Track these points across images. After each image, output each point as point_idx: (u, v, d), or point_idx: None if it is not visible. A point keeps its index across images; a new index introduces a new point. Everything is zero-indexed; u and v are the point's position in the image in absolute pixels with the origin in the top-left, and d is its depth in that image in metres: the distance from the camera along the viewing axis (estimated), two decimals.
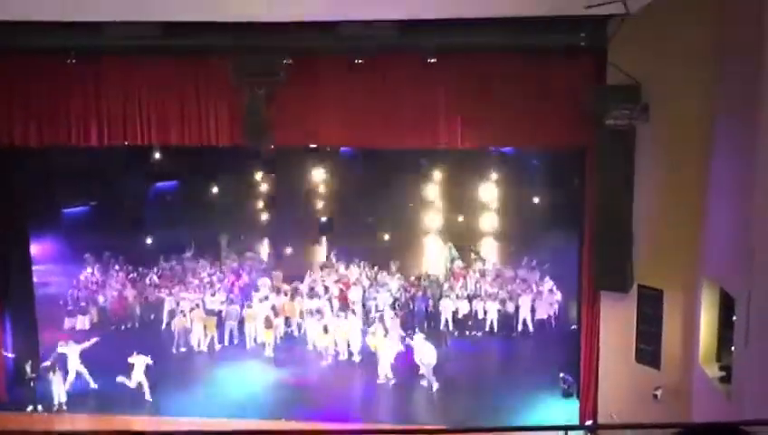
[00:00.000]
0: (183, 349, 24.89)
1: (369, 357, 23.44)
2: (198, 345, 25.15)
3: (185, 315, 25.48)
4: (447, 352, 24.18)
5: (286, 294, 26.56)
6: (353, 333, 24.32)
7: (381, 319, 24.74)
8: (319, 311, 25.27)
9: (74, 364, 21.75)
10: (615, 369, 19.07)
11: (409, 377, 22.44)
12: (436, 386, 22.00)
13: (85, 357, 21.91)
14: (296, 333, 25.81)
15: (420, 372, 22.53)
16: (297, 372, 23.36)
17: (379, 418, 20.85)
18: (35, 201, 24.05)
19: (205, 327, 25.33)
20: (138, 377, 21.41)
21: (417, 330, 24.09)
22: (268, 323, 25.01)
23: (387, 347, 22.88)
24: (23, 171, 22.29)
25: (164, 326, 26.62)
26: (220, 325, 25.74)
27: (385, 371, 22.58)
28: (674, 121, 16.76)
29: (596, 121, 17.56)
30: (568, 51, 18.23)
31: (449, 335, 25.55)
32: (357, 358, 23.85)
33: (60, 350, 21.71)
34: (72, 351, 21.78)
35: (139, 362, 21.51)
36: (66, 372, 21.64)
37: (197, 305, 26.28)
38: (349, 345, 24.14)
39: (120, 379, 21.23)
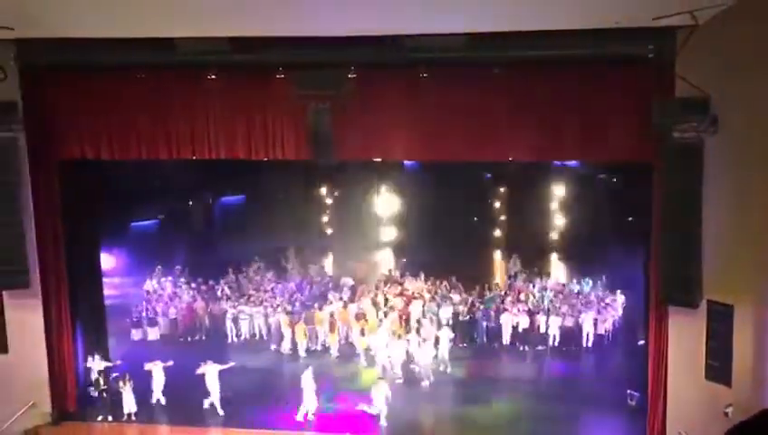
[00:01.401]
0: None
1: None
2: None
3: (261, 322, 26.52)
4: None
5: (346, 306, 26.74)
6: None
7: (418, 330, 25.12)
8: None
9: (213, 383, 21.95)
10: (684, 386, 18.75)
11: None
12: (427, 383, 22.64)
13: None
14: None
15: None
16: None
17: None
18: (106, 215, 24.49)
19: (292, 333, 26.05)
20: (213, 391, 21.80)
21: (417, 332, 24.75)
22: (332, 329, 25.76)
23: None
24: (94, 185, 22.70)
25: (230, 339, 26.95)
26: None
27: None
28: (743, 134, 16.47)
29: (663, 134, 17.35)
30: (635, 63, 18.05)
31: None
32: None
33: (200, 370, 22.01)
34: (211, 370, 22.00)
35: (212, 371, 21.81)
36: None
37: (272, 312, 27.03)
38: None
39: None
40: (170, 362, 22.38)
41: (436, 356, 24.10)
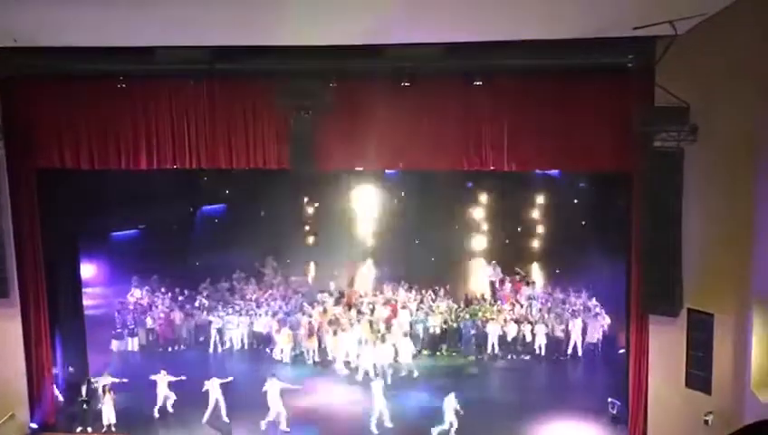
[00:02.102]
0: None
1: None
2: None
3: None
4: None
5: (330, 317, 26.70)
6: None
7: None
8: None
9: (163, 391, 22.03)
10: (664, 394, 18.82)
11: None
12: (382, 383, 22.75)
13: (133, 379, 22.09)
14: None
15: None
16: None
17: None
18: (85, 224, 24.37)
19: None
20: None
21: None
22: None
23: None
24: (74, 194, 22.59)
25: (211, 349, 26.90)
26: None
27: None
28: (723, 143, 16.58)
29: (644, 143, 17.44)
30: (615, 72, 18.16)
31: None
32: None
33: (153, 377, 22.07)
34: (161, 380, 22.05)
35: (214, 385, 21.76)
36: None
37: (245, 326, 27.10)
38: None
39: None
40: (182, 377, 22.35)
41: (396, 360, 24.63)
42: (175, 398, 22.06)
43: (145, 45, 18.36)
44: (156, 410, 21.91)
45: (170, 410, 22.07)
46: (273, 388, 21.41)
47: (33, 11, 15.86)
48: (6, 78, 19.79)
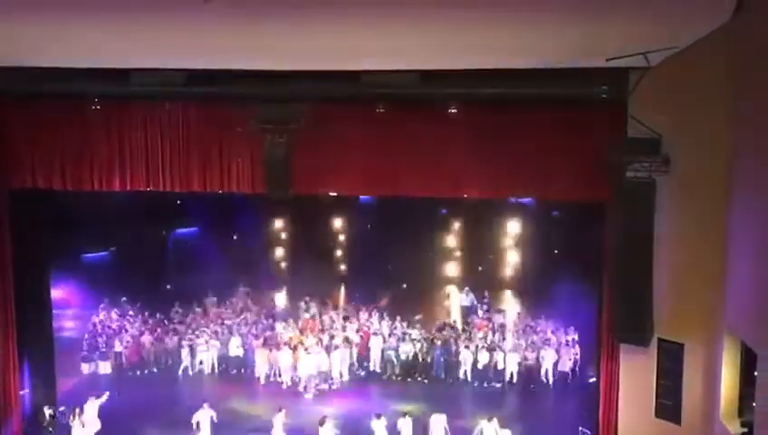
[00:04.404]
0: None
1: None
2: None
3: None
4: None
5: (301, 343, 26.61)
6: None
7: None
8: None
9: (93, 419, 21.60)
10: (634, 423, 18.84)
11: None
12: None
13: (105, 403, 21.88)
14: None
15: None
16: None
17: None
18: (56, 245, 24.15)
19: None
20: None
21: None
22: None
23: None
24: (44, 215, 22.43)
25: (181, 372, 26.70)
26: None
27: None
28: (695, 174, 16.72)
29: (616, 174, 17.56)
30: (588, 103, 18.28)
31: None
32: None
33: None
34: (90, 407, 21.63)
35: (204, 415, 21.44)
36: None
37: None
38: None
39: None
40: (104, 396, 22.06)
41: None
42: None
43: (120, 67, 18.33)
44: None
45: None
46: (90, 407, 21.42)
47: (8, 30, 15.82)
48: None
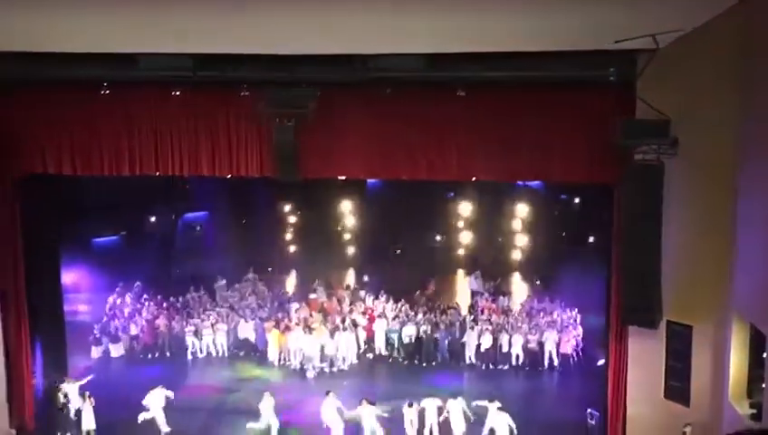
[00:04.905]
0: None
1: None
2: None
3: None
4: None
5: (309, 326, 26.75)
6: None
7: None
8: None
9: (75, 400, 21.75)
10: (643, 405, 18.90)
11: None
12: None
13: (114, 386, 21.99)
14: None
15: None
16: None
17: None
18: (67, 230, 24.29)
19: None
20: (156, 411, 21.39)
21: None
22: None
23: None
24: (55, 200, 22.53)
25: (190, 356, 26.89)
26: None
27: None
28: (703, 156, 16.69)
29: (624, 156, 17.55)
30: (597, 85, 18.28)
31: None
32: None
33: (63, 385, 21.84)
34: (71, 388, 21.79)
35: (157, 396, 21.47)
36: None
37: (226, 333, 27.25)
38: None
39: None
40: (88, 378, 22.37)
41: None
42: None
43: (128, 52, 18.36)
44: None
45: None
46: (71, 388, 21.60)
47: (16, 16, 15.84)
48: None
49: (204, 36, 17.00)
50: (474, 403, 21.08)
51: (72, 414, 21.42)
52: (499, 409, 20.61)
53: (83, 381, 22.06)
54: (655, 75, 16.86)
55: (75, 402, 21.58)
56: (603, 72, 17.79)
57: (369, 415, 20.71)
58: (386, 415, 20.99)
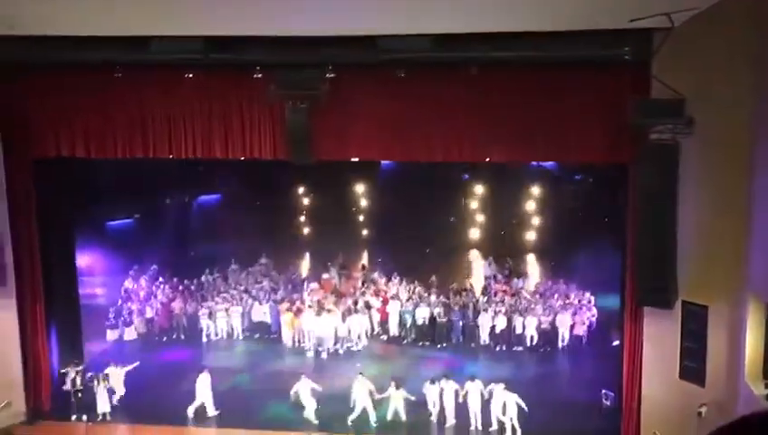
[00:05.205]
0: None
1: None
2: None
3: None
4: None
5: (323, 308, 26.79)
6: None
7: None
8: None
9: (119, 385, 21.98)
10: (658, 385, 18.88)
11: None
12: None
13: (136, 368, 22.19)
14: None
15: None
16: None
17: None
18: (81, 213, 24.36)
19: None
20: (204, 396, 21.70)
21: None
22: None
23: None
24: (69, 183, 22.59)
25: (205, 338, 26.98)
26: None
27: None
28: (719, 135, 16.59)
29: (640, 136, 17.46)
30: (612, 65, 18.17)
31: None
32: None
33: (107, 371, 21.94)
34: (116, 373, 21.97)
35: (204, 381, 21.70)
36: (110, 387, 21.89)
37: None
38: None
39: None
40: (134, 365, 22.42)
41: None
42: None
43: (140, 35, 18.34)
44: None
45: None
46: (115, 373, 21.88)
47: (28, 1, 15.84)
48: (2, 67, 19.74)
49: (215, 18, 16.95)
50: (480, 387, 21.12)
51: (101, 399, 21.57)
52: (506, 389, 20.69)
53: (130, 368, 22.14)
54: (670, 54, 16.73)
55: (118, 388, 21.85)
56: (618, 52, 17.68)
57: (397, 397, 20.89)
58: (413, 398, 21.07)
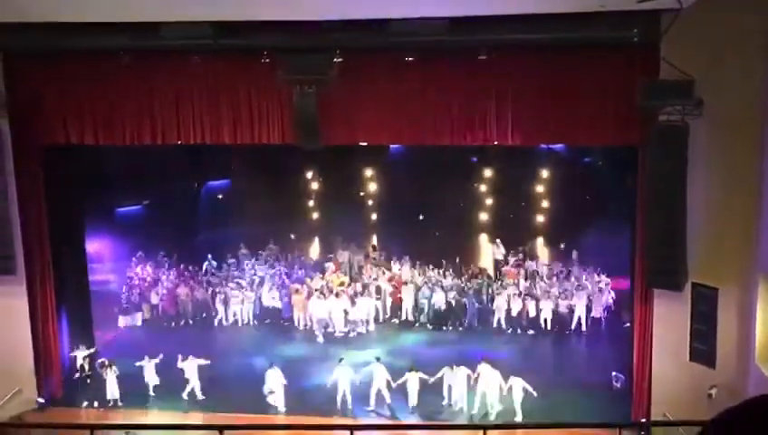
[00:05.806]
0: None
1: None
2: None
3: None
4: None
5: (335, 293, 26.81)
6: None
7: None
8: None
9: (193, 378, 21.90)
10: (669, 368, 18.88)
11: None
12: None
13: (137, 355, 22.22)
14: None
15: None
16: None
17: None
18: (90, 200, 24.40)
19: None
20: (192, 380, 21.72)
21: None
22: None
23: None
24: (78, 170, 22.64)
25: (216, 323, 27.06)
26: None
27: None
28: (728, 117, 16.54)
29: (649, 117, 17.42)
30: (620, 46, 18.09)
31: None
32: None
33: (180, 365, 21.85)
34: (190, 365, 21.87)
35: (191, 365, 21.73)
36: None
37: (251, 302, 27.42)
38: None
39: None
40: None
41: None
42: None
43: (149, 21, 18.32)
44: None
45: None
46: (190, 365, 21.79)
47: None
48: (11, 54, 19.77)
49: (224, 3, 16.92)
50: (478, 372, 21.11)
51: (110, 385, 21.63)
52: (518, 374, 20.70)
53: (202, 361, 21.94)
54: (678, 35, 16.65)
55: (193, 381, 21.81)
56: (627, 34, 17.58)
57: (414, 382, 20.96)
58: (431, 380, 21.07)
